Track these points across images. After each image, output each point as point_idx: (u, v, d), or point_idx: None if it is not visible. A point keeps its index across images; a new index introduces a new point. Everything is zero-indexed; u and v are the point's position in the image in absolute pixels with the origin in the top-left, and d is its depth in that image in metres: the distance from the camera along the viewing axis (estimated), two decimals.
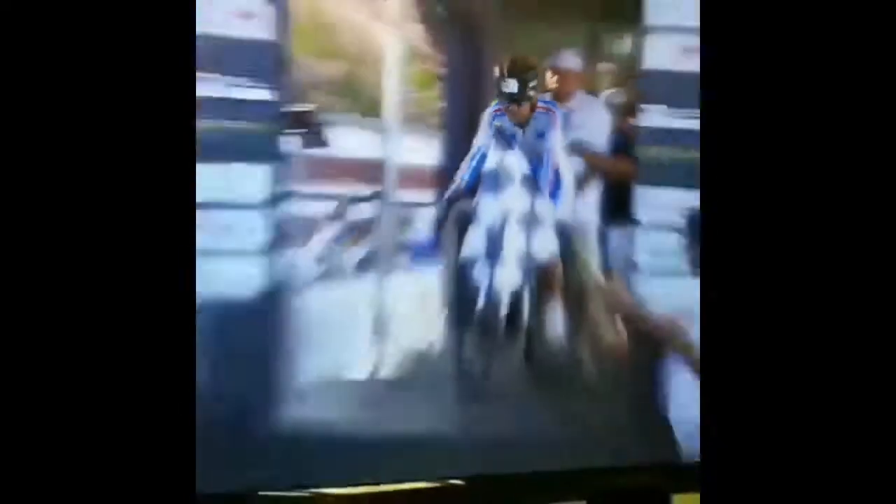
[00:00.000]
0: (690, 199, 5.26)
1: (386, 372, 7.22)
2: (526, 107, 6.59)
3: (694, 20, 5.71)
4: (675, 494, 2.69)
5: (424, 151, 10.77)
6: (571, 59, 7.36)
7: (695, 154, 5.66)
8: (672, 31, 5.67)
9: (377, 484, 2.63)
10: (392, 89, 9.42)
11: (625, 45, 7.90)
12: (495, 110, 6.79)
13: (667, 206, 5.52)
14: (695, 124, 5.50)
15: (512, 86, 6.62)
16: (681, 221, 5.13)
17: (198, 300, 6.09)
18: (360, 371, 7.25)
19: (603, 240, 6.64)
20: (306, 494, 2.83)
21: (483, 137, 6.88)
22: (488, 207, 6.37)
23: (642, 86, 5.98)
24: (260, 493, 2.96)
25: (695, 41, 5.61)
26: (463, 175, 7.02)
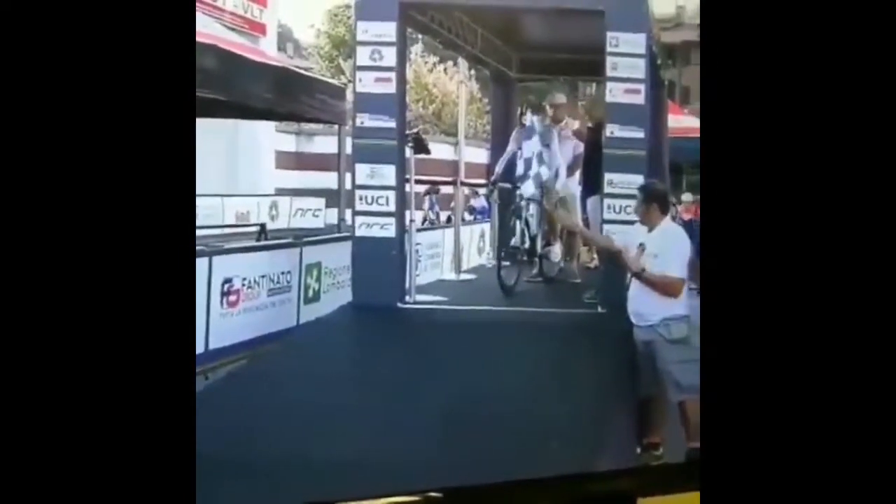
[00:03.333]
0: (637, 179, 5.32)
1: (462, 277, 7.40)
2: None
3: (634, 73, 5.79)
4: (641, 499, 1.87)
5: (479, 155, 10.84)
6: (560, 97, 7.25)
7: (639, 152, 5.76)
8: (621, 80, 5.58)
9: (355, 500, 1.76)
10: (462, 119, 9.58)
11: (594, 88, 7.87)
12: (519, 131, 6.56)
13: (622, 183, 5.52)
14: (638, 133, 5.61)
15: (528, 119, 6.42)
16: (633, 191, 5.06)
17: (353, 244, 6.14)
18: (449, 275, 7.51)
19: (584, 204, 6.62)
20: None
21: (512, 146, 6.64)
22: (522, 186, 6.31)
23: (606, 112, 5.79)
24: None
25: (635, 85, 5.71)
26: (497, 169, 6.81)
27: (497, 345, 5.01)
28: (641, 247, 4.52)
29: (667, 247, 4.24)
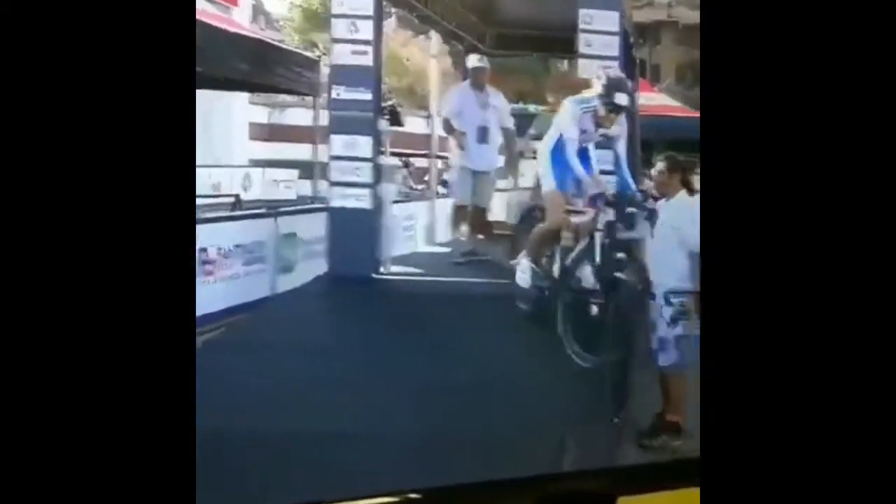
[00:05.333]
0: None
1: (436, 249, 7.39)
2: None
3: (607, 50, 5.75)
4: (620, 497, 1.82)
5: None
6: (482, 61, 6.62)
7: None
8: (595, 58, 5.53)
9: (334, 502, 1.72)
10: (435, 93, 9.54)
11: (566, 65, 7.78)
12: (584, 111, 4.94)
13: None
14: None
15: (623, 99, 4.89)
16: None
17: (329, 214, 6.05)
18: (424, 247, 7.51)
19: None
20: None
21: (573, 131, 4.96)
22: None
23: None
24: None
25: (609, 62, 5.63)
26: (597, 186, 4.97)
27: (471, 315, 5.03)
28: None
29: (689, 219, 4.02)
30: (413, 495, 1.71)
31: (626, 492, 1.72)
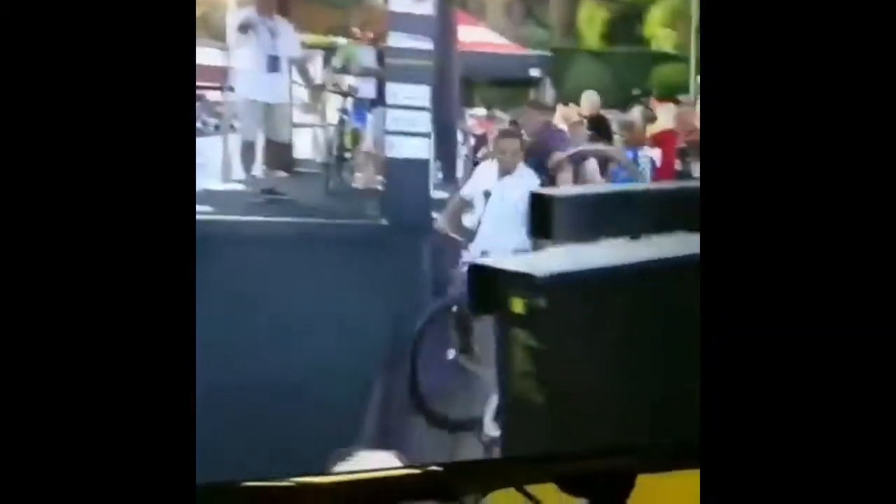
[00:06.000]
0: (423, 91, 5.12)
1: (230, 187, 6.91)
2: None
3: None
4: (640, 475, 1.78)
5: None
6: None
7: (425, 63, 5.50)
8: None
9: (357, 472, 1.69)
10: (228, 23, 9.04)
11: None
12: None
13: (406, 95, 5.27)
14: (425, 44, 5.34)
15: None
16: (417, 103, 4.88)
17: None
18: (216, 185, 6.96)
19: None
20: (290, 483, 1.83)
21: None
22: None
23: (390, 21, 5.50)
24: (243, 483, 1.80)
25: None
26: None
27: (272, 258, 4.74)
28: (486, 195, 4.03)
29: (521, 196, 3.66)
30: (435, 468, 1.75)
31: (645, 469, 1.74)
